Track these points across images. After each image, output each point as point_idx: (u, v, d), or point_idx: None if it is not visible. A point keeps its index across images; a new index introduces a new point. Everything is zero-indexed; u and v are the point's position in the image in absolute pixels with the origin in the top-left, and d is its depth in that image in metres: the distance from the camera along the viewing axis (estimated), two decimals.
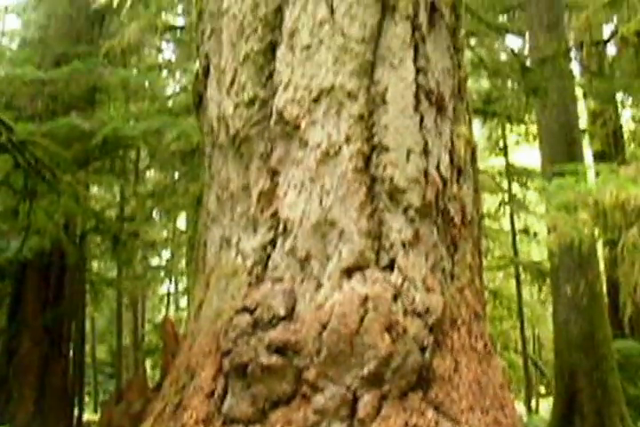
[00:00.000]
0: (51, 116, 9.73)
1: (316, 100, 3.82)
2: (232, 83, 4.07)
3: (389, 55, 3.93)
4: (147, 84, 11.06)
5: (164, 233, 18.48)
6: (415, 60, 3.98)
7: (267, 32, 4.05)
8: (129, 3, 9.00)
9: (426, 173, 3.82)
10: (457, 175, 4.09)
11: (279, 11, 4.08)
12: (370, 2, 3.98)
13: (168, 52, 14.57)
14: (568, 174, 7.02)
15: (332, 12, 3.94)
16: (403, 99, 3.87)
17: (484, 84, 14.37)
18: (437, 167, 3.90)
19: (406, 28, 4.01)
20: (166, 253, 19.71)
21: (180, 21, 13.16)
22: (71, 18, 10.83)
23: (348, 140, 3.75)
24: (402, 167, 3.76)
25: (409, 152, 3.80)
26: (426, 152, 3.87)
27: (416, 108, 3.90)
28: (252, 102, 3.98)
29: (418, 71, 3.98)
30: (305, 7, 3.98)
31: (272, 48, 4.03)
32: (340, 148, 3.74)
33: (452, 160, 4.04)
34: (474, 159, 4.37)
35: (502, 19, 15.34)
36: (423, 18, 4.11)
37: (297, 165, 3.81)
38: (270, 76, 3.99)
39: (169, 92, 13.54)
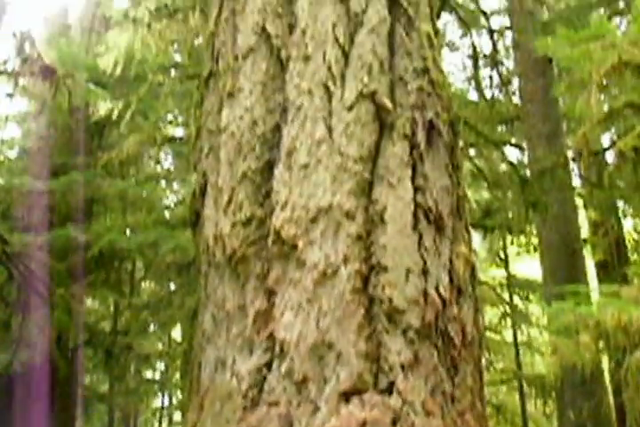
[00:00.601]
0: (47, 227, 9.72)
1: (314, 220, 3.78)
2: (229, 201, 4.04)
3: (387, 174, 3.92)
4: (144, 195, 11.12)
5: (159, 345, 18.25)
6: (413, 178, 3.98)
7: (264, 150, 4.06)
8: (128, 115, 9.13)
9: (425, 294, 3.74)
10: (457, 295, 4.01)
11: (277, 129, 4.10)
12: (367, 121, 4.01)
13: (167, 162, 14.74)
14: (569, 295, 6.96)
15: (329, 131, 3.96)
16: (401, 218, 3.83)
17: (484, 194, 14.48)
18: (437, 288, 3.82)
19: (404, 147, 4.02)
20: (160, 366, 19.41)
21: (178, 132, 13.38)
22: (71, 129, 10.98)
23: (345, 260, 3.68)
24: (401, 288, 3.68)
25: (408, 272, 3.73)
26: (425, 272, 3.80)
27: (415, 227, 3.86)
28: (249, 221, 3.94)
29: (416, 190, 3.96)
30: (303, 126, 3.99)
31: (270, 167, 4.03)
32: (337, 268, 3.67)
33: (451, 280, 3.97)
34: (473, 278, 4.29)
35: (501, 129, 15.61)
36: (421, 136, 4.13)
37: (294, 285, 3.73)
38: (268, 195, 3.97)
39: (167, 202, 13.64)
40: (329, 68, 4.11)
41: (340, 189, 3.81)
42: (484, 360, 4.43)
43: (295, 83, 4.12)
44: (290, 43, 4.31)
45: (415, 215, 3.89)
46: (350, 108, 4.00)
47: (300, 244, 3.75)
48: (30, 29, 8.44)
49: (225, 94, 4.36)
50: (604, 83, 6.23)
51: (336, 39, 4.23)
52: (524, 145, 13.60)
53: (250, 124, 4.11)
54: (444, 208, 4.07)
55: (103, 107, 9.57)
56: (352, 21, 4.36)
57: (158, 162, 14.29)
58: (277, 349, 3.67)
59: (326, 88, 4.05)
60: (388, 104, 4.09)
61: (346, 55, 4.21)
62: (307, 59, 4.16)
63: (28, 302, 8.12)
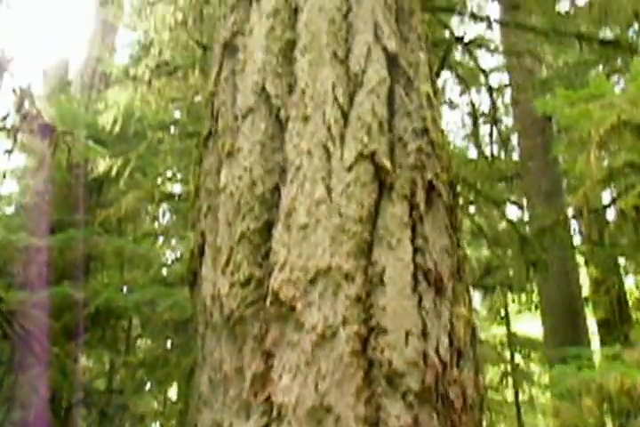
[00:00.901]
0: (44, 285, 9.66)
1: (313, 281, 3.73)
2: (227, 262, 4.00)
3: (387, 235, 3.89)
4: (142, 252, 11.10)
5: (154, 404, 17.98)
6: (413, 239, 3.94)
7: (263, 211, 4.03)
8: (127, 172, 9.16)
9: (425, 356, 3.67)
10: (457, 358, 3.94)
11: (276, 189, 4.08)
12: (367, 181, 4.00)
13: (165, 218, 14.75)
14: (571, 358, 6.89)
15: (329, 191, 3.94)
16: (401, 279, 3.79)
17: (484, 252, 14.44)
18: (437, 350, 3.76)
19: (404, 208, 4.00)
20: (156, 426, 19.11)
21: (177, 188, 13.40)
22: (69, 185, 11.00)
23: (344, 322, 3.63)
24: (400, 350, 3.61)
25: (407, 334, 3.67)
26: (425, 334, 3.74)
27: (414, 288, 3.82)
28: (247, 282, 3.90)
29: (416, 251, 3.92)
30: (302, 186, 3.97)
31: (268, 227, 4.00)
32: (336, 330, 3.61)
33: (451, 342, 3.90)
34: (474, 340, 4.23)
35: (500, 186, 15.64)
36: (421, 197, 4.11)
37: (292, 347, 3.66)
38: (266, 255, 3.93)
39: (164, 259, 13.59)
40: (328, 129, 4.11)
41: (339, 250, 3.78)
42: (485, 422, 4.35)
43: (294, 143, 4.12)
44: (289, 103, 4.32)
45: (415, 277, 3.85)
46: (350, 169, 3.99)
47: (299, 305, 3.70)
48: (30, 85, 8.49)
49: (224, 154, 4.36)
50: (604, 142, 6.25)
51: (335, 99, 4.24)
52: (524, 202, 13.62)
53: (249, 184, 4.10)
54: (444, 269, 4.03)
55: (102, 164, 9.61)
56: (352, 82, 4.38)
57: (156, 219, 14.29)
58: (275, 412, 3.58)
59: (325, 148, 4.05)
60: (388, 165, 4.08)
61: (345, 115, 4.21)
62: (306, 119, 4.17)
63: (22, 360, 8.02)
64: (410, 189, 4.07)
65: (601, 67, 12.87)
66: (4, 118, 8.21)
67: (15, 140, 8.40)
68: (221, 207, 4.21)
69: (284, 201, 3.99)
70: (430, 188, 4.21)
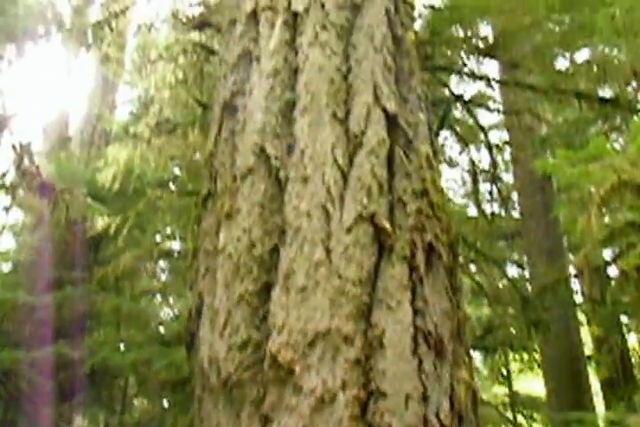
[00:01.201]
0: (39, 344, 9.55)
1: (311, 344, 3.69)
2: (225, 324, 3.96)
3: (386, 297, 3.86)
4: (139, 310, 11.02)
5: None
6: (413, 301, 3.91)
7: (262, 272, 4.00)
8: (126, 229, 9.14)
9: (425, 421, 3.62)
10: (458, 422, 3.87)
11: (275, 251, 4.06)
12: (366, 243, 3.98)
13: (163, 275, 14.68)
14: (574, 424, 6.79)
15: (328, 253, 3.91)
16: (400, 342, 3.74)
17: (485, 310, 14.35)
18: (437, 414, 3.69)
19: (403, 270, 3.98)
20: None
21: (175, 245, 13.36)
22: (67, 242, 10.95)
23: (344, 385, 3.57)
24: (400, 414, 3.56)
25: (407, 398, 3.61)
26: (425, 398, 3.68)
27: (414, 351, 3.77)
28: (245, 345, 3.85)
29: (416, 313, 3.89)
30: (301, 248, 3.95)
31: (267, 289, 3.97)
32: (335, 394, 3.56)
33: (452, 406, 3.83)
34: (475, 404, 4.16)
35: (501, 245, 15.61)
36: (420, 259, 4.08)
37: (290, 411, 3.60)
38: (264, 317, 3.89)
39: (162, 316, 13.49)
40: (328, 190, 4.10)
41: (339, 313, 3.74)
42: None
43: (294, 204, 4.10)
44: (289, 164, 4.32)
45: (415, 339, 3.80)
46: (349, 230, 3.97)
47: (297, 369, 3.65)
48: (30, 141, 8.52)
49: (223, 215, 4.35)
50: (604, 202, 6.25)
51: (335, 160, 4.24)
52: (525, 260, 13.58)
53: (247, 245, 4.07)
54: (444, 332, 3.98)
55: (101, 221, 9.60)
56: (351, 143, 4.39)
57: (154, 276, 14.21)
58: None
59: (325, 210, 4.03)
60: (387, 226, 4.06)
61: (345, 177, 4.21)
62: (305, 180, 4.16)
63: (14, 421, 7.91)
64: (410, 251, 4.04)
65: (600, 124, 12.96)
66: (4, 175, 8.22)
67: (14, 197, 8.40)
68: (220, 269, 4.18)
69: (282, 263, 3.96)
70: (430, 249, 4.18)
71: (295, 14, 5.19)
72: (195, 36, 9.37)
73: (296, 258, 3.92)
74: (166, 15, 10.03)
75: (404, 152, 4.48)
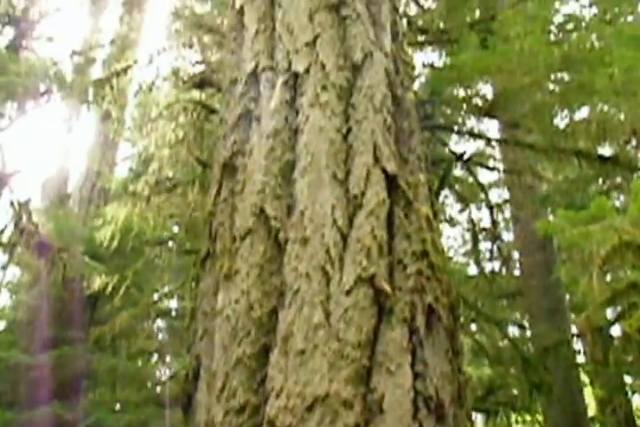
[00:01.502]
0: (34, 403, 9.43)
1: (310, 409, 3.61)
2: (223, 388, 3.89)
3: (386, 360, 3.79)
4: (135, 370, 10.93)
5: None
6: (413, 365, 3.84)
7: (260, 335, 3.95)
8: (123, 288, 9.10)
9: None
10: None
11: (274, 313, 4.01)
12: (366, 305, 3.93)
13: (160, 335, 14.60)
14: None
15: (327, 315, 3.86)
16: (400, 407, 3.67)
17: (486, 371, 14.20)
18: None
19: (403, 332, 3.92)
20: None
21: (173, 304, 13.31)
22: (64, 301, 10.89)
23: None
24: None
25: None
26: None
27: (414, 416, 3.69)
28: (242, 409, 3.77)
29: (416, 377, 3.82)
30: (300, 310, 3.90)
31: (265, 352, 3.90)
32: None
33: None
34: None
35: (502, 304, 15.51)
36: (421, 321, 4.03)
37: None
38: (262, 381, 3.83)
39: (159, 375, 13.36)
40: (327, 251, 4.07)
41: (338, 377, 3.68)
42: None
43: (293, 266, 4.07)
44: (288, 225, 4.29)
45: (415, 403, 3.73)
46: (348, 293, 3.93)
47: None
48: (28, 199, 8.52)
49: (221, 276, 4.31)
50: (606, 264, 6.22)
51: (335, 222, 4.22)
52: (526, 320, 13.47)
53: (246, 307, 4.02)
54: (444, 396, 3.91)
55: (98, 280, 9.55)
56: (351, 204, 4.37)
57: (151, 336, 14.12)
58: None
59: (324, 272, 4.00)
60: (387, 288, 4.02)
61: (344, 238, 4.18)
62: (305, 241, 4.13)
63: None
64: (410, 313, 3.99)
65: (601, 182, 12.98)
66: (1, 232, 8.20)
67: (11, 255, 8.38)
68: (218, 330, 4.12)
69: (281, 325, 3.91)
70: (430, 311, 4.13)
71: (296, 75, 5.21)
72: (195, 94, 9.46)
73: (295, 320, 3.87)
74: (167, 73, 10.14)
75: (404, 213, 4.46)
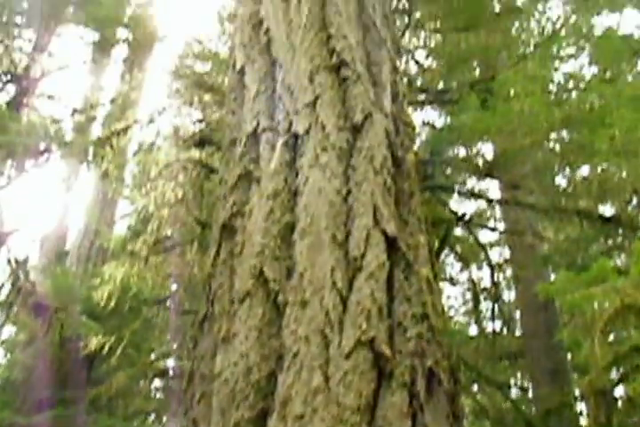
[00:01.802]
0: None
1: None
2: None
3: (386, 425, 3.73)
4: None
5: None
6: None
7: (258, 399, 3.88)
8: (120, 348, 9.01)
9: None
10: None
11: (272, 377, 3.94)
12: (365, 369, 3.87)
13: (157, 394, 14.42)
14: None
15: (326, 379, 3.80)
16: None
17: None
18: None
19: (403, 397, 3.86)
20: None
21: (170, 363, 13.16)
22: (60, 361, 10.77)
23: None
24: None
25: None
26: None
27: None
28: None
29: None
30: (299, 374, 3.84)
31: (264, 416, 3.83)
32: None
33: None
34: None
35: (503, 364, 15.35)
36: (421, 385, 3.97)
37: None
38: None
39: None
40: (326, 314, 4.03)
41: None
42: None
43: (292, 329, 4.02)
44: (288, 287, 4.26)
45: None
46: (348, 356, 3.88)
47: None
48: (26, 258, 8.49)
49: (219, 339, 4.26)
50: (608, 327, 6.17)
51: (334, 284, 4.18)
52: (528, 380, 13.32)
53: (244, 371, 3.96)
54: None
55: (95, 340, 9.44)
56: (351, 266, 4.34)
57: (148, 396, 13.95)
58: None
59: (323, 335, 3.95)
60: (387, 351, 3.97)
61: (344, 301, 4.14)
62: (304, 304, 4.09)
63: None
64: (410, 377, 3.94)
65: (602, 242, 12.96)
66: None
67: (8, 314, 8.32)
68: (216, 394, 4.06)
69: (280, 389, 3.85)
70: (431, 375, 4.08)
71: (296, 135, 5.24)
72: (195, 153, 9.49)
73: (294, 384, 3.81)
74: (167, 132, 10.20)
75: (404, 275, 4.43)
